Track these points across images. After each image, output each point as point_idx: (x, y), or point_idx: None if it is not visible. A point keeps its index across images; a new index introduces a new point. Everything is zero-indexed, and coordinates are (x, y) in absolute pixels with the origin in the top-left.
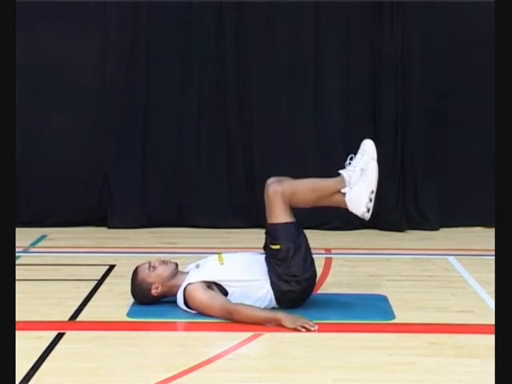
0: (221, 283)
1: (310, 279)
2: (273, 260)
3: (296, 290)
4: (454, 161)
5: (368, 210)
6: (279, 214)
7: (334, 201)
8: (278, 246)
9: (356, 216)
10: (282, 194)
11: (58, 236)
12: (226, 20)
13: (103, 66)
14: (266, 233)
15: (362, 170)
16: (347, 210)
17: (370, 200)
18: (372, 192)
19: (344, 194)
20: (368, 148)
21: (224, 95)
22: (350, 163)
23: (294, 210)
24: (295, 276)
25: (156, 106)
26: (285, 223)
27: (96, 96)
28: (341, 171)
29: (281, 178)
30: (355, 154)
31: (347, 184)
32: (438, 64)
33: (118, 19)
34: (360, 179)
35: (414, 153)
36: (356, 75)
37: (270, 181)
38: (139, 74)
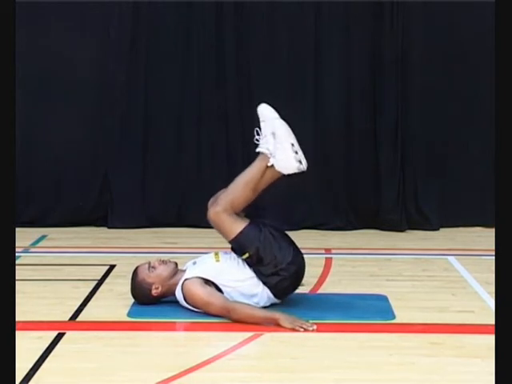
0: (216, 282)
1: (293, 261)
2: (251, 266)
3: (286, 277)
4: (454, 161)
5: (300, 162)
6: (231, 229)
7: (270, 177)
8: (247, 255)
9: (296, 174)
10: (224, 210)
11: (58, 236)
12: (226, 20)
13: (103, 65)
14: (232, 249)
15: (273, 133)
16: (285, 175)
17: (296, 152)
18: (292, 145)
19: (272, 165)
20: (265, 112)
21: (224, 95)
22: (258, 138)
23: (245, 210)
24: (277, 266)
25: (156, 106)
26: (240, 232)
27: (96, 96)
28: (257, 149)
29: (216, 196)
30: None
31: (269, 155)
32: (437, 64)
33: (118, 19)
34: (276, 143)
35: (413, 153)
36: (356, 75)
37: (209, 204)
38: (139, 74)
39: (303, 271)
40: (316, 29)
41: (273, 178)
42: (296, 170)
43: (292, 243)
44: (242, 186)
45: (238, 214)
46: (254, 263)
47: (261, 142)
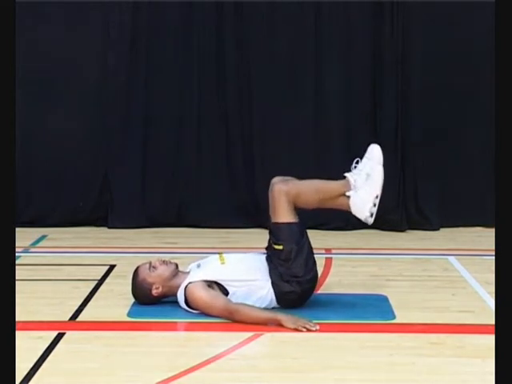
0: (221, 283)
1: (311, 281)
2: (275, 260)
3: (297, 291)
4: (454, 161)
5: (371, 215)
6: (283, 214)
7: (338, 203)
8: (280, 247)
9: (359, 220)
10: (287, 193)
11: (58, 236)
12: (226, 20)
13: (103, 66)
14: (270, 232)
15: (368, 174)
16: (350, 213)
17: (374, 205)
18: (376, 197)
19: (348, 197)
20: (375, 153)
21: (224, 95)
22: (355, 167)
23: (298, 211)
24: (297, 277)
25: (156, 106)
26: (288, 223)
27: (96, 96)
28: (346, 174)
29: (286, 178)
30: (358, 155)
31: (352, 187)
32: (438, 64)
33: (118, 19)
34: (365, 184)
35: (413, 153)
36: (356, 75)
37: (276, 180)
38: (139, 74)
39: (311, 293)
40: (316, 29)
41: (340, 206)
42: (363, 219)
43: (316, 265)
44: (313, 190)
45: (295, 208)
46: (281, 259)
47: (354, 171)
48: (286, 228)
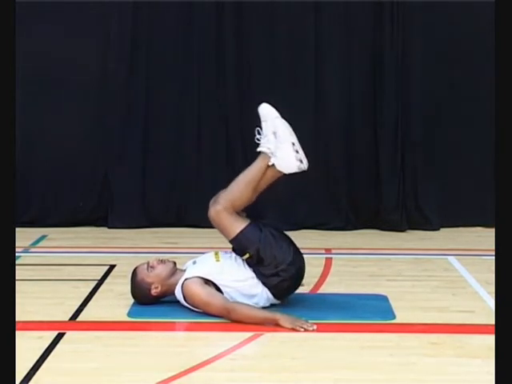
0: (216, 282)
1: (294, 262)
2: (252, 266)
3: (286, 278)
4: (454, 161)
5: (301, 161)
6: (231, 228)
7: (270, 177)
8: (248, 255)
9: (297, 173)
10: (224, 209)
11: (58, 236)
12: (225, 20)
13: (103, 65)
14: (233, 249)
15: (274, 132)
16: (286, 175)
17: (297, 151)
18: (293, 144)
19: (273, 165)
20: (265, 111)
21: (224, 95)
22: (259, 138)
23: (245, 209)
24: (277, 267)
25: (156, 106)
26: (241, 231)
27: (96, 96)
28: (258, 149)
29: (216, 195)
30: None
31: (270, 155)
32: (438, 64)
33: (118, 19)
34: (277, 142)
35: (414, 153)
36: (356, 75)
37: (210, 204)
38: (139, 74)
39: (303, 272)
40: (316, 29)
41: (273, 177)
42: (297, 170)
43: (292, 243)
44: (243, 186)
45: (238, 214)
46: (255, 263)
47: (262, 141)
48: (242, 237)
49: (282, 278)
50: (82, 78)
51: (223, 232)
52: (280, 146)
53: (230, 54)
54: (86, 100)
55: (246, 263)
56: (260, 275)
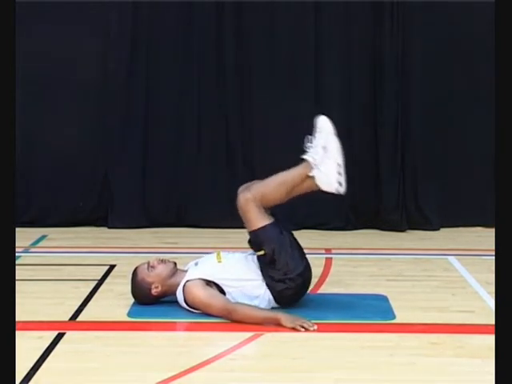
0: (219, 282)
1: (303, 273)
2: (263, 264)
3: (291, 287)
4: (454, 161)
5: (340, 184)
6: (255, 220)
7: (306, 186)
8: (262, 252)
9: (332, 194)
10: (253, 199)
11: (58, 236)
12: (225, 20)
13: (103, 65)
14: (249, 242)
15: (324, 147)
16: (321, 190)
17: (339, 174)
18: (339, 165)
19: (313, 176)
20: (323, 124)
21: (224, 95)
22: (310, 145)
23: (280, 208)
24: (287, 274)
25: (156, 106)
26: (263, 227)
27: (96, 96)
28: (304, 156)
29: (249, 184)
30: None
31: (313, 166)
32: (438, 64)
33: (118, 19)
34: (324, 157)
35: (414, 153)
36: (356, 75)
37: (240, 190)
38: (139, 74)
39: (308, 285)
40: (316, 29)
41: (309, 188)
42: (334, 191)
43: (304, 256)
44: (278, 185)
45: (265, 209)
46: (267, 263)
47: (310, 150)
48: (262, 232)
49: (288, 286)
50: (82, 78)
51: (246, 221)
52: (326, 161)
53: (230, 54)
54: (86, 100)
55: (253, 262)
56: (267, 277)
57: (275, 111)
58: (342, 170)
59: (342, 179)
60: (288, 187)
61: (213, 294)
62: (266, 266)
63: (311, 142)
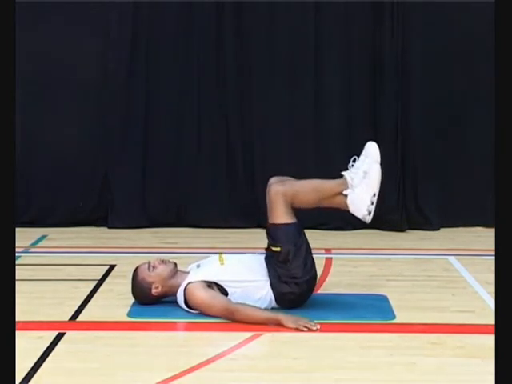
0: (221, 283)
1: (309, 281)
2: (273, 261)
3: (295, 292)
4: (454, 161)
5: (369, 213)
6: (280, 215)
7: (336, 202)
8: (278, 248)
9: (357, 218)
10: (284, 194)
11: (58, 236)
12: (226, 20)
13: (103, 66)
14: (267, 233)
15: (365, 172)
16: (348, 211)
17: (372, 203)
18: (374, 195)
19: (346, 195)
20: (372, 151)
21: (224, 95)
22: (352, 165)
23: (296, 211)
24: (295, 278)
25: (156, 106)
26: (285, 224)
27: (96, 96)
28: (343, 173)
29: (283, 178)
30: (358, 155)
31: (349, 186)
32: (438, 64)
33: (118, 19)
34: (362, 182)
35: (414, 153)
36: (356, 75)
37: (272, 180)
38: (139, 74)
39: (311, 293)
40: (316, 29)
41: (338, 205)
42: (360, 217)
43: (315, 266)
44: (311, 189)
45: (292, 208)
46: (279, 261)
47: (351, 169)
48: (284, 229)
49: (292, 290)
50: (81, 77)
51: (271, 213)
52: (363, 186)
53: (230, 54)
54: (86, 100)
55: (260, 260)
56: (274, 277)
57: (275, 111)
58: (375, 201)
59: (373, 209)
60: (320, 195)
61: (214, 295)
62: (277, 263)
63: (355, 163)
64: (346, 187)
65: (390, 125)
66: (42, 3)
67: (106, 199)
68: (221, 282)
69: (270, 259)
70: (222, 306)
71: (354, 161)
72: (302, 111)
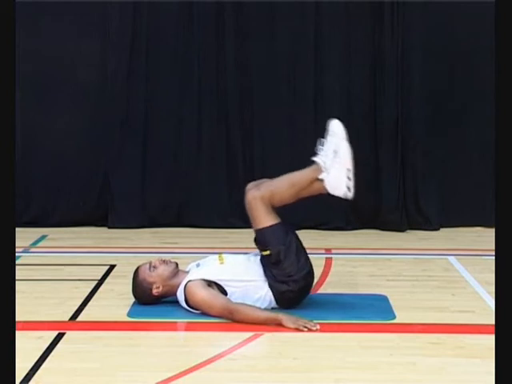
0: (220, 283)
1: (306, 277)
2: (267, 263)
3: (294, 289)
4: (454, 161)
5: (349, 189)
6: (262, 219)
7: (315, 189)
8: (268, 252)
9: (339, 198)
10: (262, 197)
11: (58, 236)
12: (226, 20)
13: (103, 66)
14: (255, 240)
15: (335, 151)
16: (329, 194)
17: (349, 178)
18: (349, 170)
19: (322, 180)
20: (336, 129)
21: (224, 95)
22: (321, 148)
23: (279, 208)
24: (291, 276)
25: (156, 106)
26: (270, 226)
27: (96, 96)
28: (314, 158)
29: (259, 182)
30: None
31: (323, 169)
32: (438, 64)
33: (118, 19)
34: (334, 162)
35: (414, 153)
36: (356, 75)
37: (249, 187)
38: (139, 74)
39: (310, 289)
40: (316, 29)
41: (317, 191)
42: (342, 195)
43: (308, 260)
44: (287, 186)
45: (273, 208)
46: (271, 263)
47: (320, 153)
48: (269, 231)
49: (290, 288)
50: (81, 78)
51: (253, 219)
52: (336, 165)
53: (230, 54)
54: (85, 100)
55: (258, 261)
56: (270, 277)
57: (275, 111)
58: (352, 175)
59: (351, 184)
60: (297, 188)
61: (214, 294)
62: (270, 265)
63: (322, 145)
64: (321, 172)
65: (390, 125)
66: (42, 3)
67: (106, 199)
68: (220, 281)
69: (264, 262)
70: (222, 305)
71: (321, 145)
72: (302, 111)
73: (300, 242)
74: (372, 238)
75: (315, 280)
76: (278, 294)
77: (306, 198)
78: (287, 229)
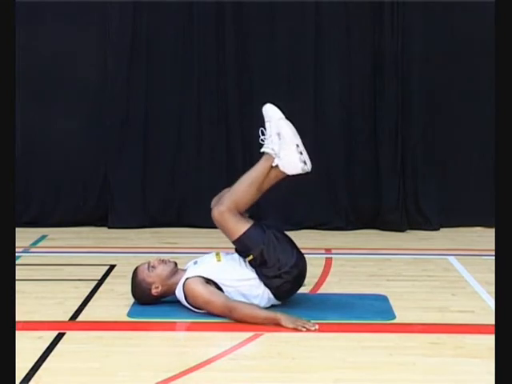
0: (217, 281)
1: (297, 264)
2: (255, 266)
3: (289, 280)
4: (454, 161)
5: (305, 163)
6: (235, 229)
7: (274, 177)
8: (251, 257)
9: (300, 175)
10: (228, 209)
11: (58, 236)
12: (226, 20)
13: (103, 66)
14: (236, 250)
15: (278, 133)
16: (289, 176)
17: (301, 153)
18: (297, 146)
19: (277, 165)
20: (270, 112)
21: (224, 95)
22: (263, 138)
23: (279, 209)
24: (281, 269)
25: (156, 106)
26: (244, 233)
27: (96, 96)
28: (262, 150)
29: (220, 195)
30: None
31: (274, 156)
32: (438, 64)
33: (118, 19)
34: (281, 144)
35: (414, 153)
36: (356, 75)
37: (212, 203)
38: (139, 74)
39: (305, 274)
40: (316, 29)
41: (277, 178)
42: (300, 171)
43: (294, 246)
44: (247, 186)
45: (241, 214)
46: (258, 265)
47: (266, 142)
48: (245, 238)
49: (285, 279)
50: (81, 77)
51: (226, 233)
52: (284, 147)
53: (230, 54)
54: (85, 100)
55: (248, 264)
56: (262, 276)
57: None
58: (303, 149)
59: (306, 157)
60: (257, 185)
61: (213, 291)
62: (258, 267)
63: (264, 134)
64: (273, 159)
65: (390, 125)
66: (42, 3)
67: (106, 199)
68: (218, 280)
69: (252, 264)
70: (221, 303)
71: (263, 133)
72: (302, 111)
73: (281, 231)
74: (372, 237)
75: (315, 280)
76: (275, 289)
77: (271, 189)
78: (262, 227)
